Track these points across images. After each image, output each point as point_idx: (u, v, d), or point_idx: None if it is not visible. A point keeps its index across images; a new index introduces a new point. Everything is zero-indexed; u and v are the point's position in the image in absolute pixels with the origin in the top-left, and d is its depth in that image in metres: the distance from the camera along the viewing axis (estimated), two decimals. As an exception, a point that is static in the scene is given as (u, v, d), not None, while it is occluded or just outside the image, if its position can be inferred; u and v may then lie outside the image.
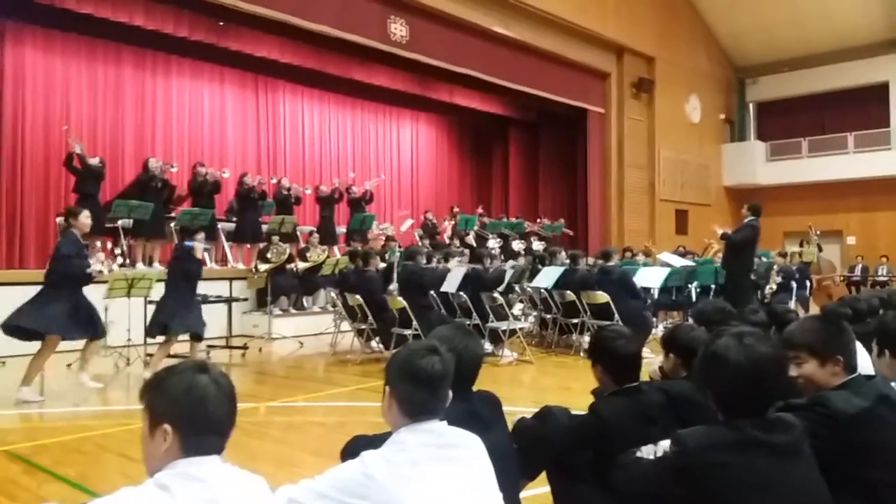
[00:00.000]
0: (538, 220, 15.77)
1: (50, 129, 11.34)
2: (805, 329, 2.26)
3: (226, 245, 11.43)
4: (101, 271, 6.02)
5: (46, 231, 10.87)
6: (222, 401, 1.52)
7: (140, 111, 12.53)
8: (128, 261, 9.79)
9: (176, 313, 6.77)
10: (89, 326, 6.09)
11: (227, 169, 11.80)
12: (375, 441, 2.02)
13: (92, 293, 7.10)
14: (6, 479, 3.85)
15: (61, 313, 5.82)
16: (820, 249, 14.05)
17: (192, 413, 1.49)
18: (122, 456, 4.31)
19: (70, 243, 5.95)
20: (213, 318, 9.18)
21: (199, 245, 6.98)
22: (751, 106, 21.41)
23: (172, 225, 10.30)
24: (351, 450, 2.29)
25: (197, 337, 7.09)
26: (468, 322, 8.10)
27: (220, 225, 11.27)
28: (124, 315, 7.33)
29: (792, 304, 10.94)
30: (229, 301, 9.56)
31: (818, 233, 14.62)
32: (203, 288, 8.90)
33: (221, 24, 11.66)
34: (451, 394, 1.88)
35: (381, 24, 11.93)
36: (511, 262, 11.50)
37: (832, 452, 1.93)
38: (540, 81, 14.93)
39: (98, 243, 9.67)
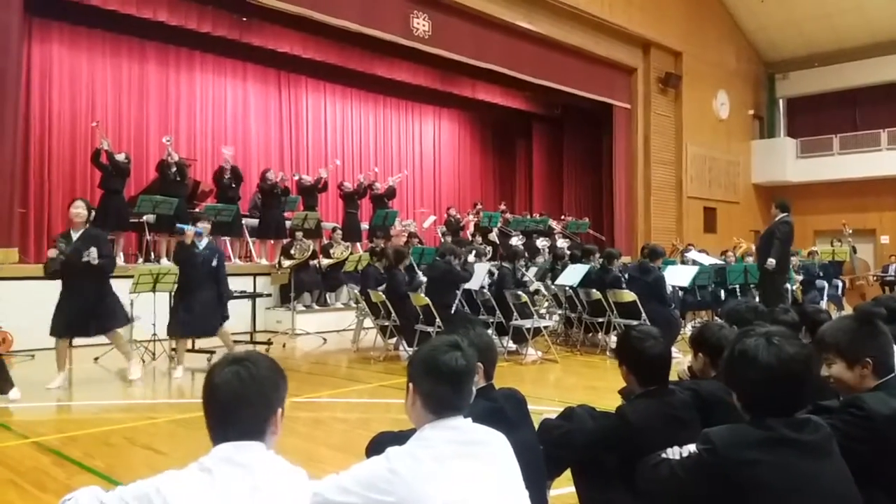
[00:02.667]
0: (562, 218, 15.64)
1: (76, 124, 11.51)
2: (835, 329, 2.23)
3: (249, 241, 11.51)
4: (55, 257, 5.82)
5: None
6: (233, 390, 1.53)
7: (164, 106, 12.67)
8: (152, 255, 9.93)
9: (174, 316, 6.73)
10: (92, 322, 6.04)
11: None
12: (400, 437, 2.00)
13: (118, 288, 7.22)
14: (37, 469, 3.90)
15: (65, 314, 5.89)
16: (854, 251, 13.74)
17: (209, 405, 1.56)
18: (150, 449, 4.34)
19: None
20: (237, 314, 9.26)
21: (189, 229, 6.59)
22: (780, 102, 21.05)
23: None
24: (375, 446, 2.29)
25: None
26: (492, 320, 8.07)
27: (244, 221, 11.37)
28: (149, 310, 7.39)
29: (824, 304, 10.76)
30: (253, 297, 9.62)
31: (850, 231, 14.32)
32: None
33: (245, 19, 11.75)
34: (474, 390, 1.87)
35: (403, 19, 11.91)
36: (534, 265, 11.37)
37: (868, 454, 1.91)
38: (564, 76, 14.80)
39: (122, 239, 9.82)
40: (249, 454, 1.51)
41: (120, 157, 9.53)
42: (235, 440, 1.52)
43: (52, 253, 5.88)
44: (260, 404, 1.55)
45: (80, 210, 5.98)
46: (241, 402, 1.53)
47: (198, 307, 6.70)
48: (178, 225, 6.66)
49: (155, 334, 7.53)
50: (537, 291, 9.17)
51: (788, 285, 10.02)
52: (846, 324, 2.23)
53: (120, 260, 9.39)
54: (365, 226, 12.69)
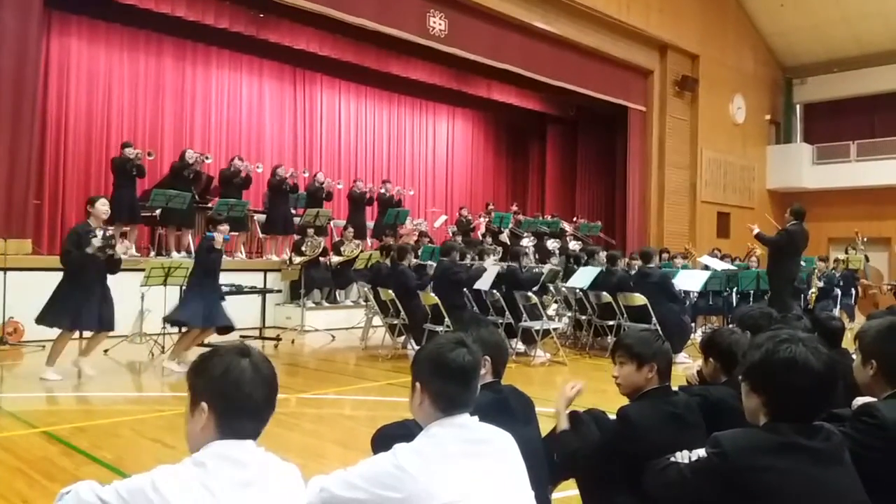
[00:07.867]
0: (574, 220, 15.56)
1: (92, 116, 11.60)
2: (868, 325, 2.28)
3: (261, 237, 11.54)
4: (100, 248, 5.90)
5: (87, 217, 11.10)
6: (259, 386, 1.54)
7: (179, 101, 12.72)
8: (164, 250, 9.99)
9: (189, 307, 6.77)
10: (94, 320, 6.10)
11: (260, 164, 11.90)
12: (404, 427, 2.03)
13: (129, 281, 7.25)
14: (45, 459, 3.92)
15: (73, 306, 5.95)
16: (867, 259, 13.61)
17: (227, 395, 1.52)
18: (157, 442, 4.36)
19: (73, 235, 6.11)
20: (247, 309, 9.28)
21: (219, 236, 6.81)
22: (798, 107, 20.83)
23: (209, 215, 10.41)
24: (382, 440, 2.29)
25: (223, 330, 6.96)
26: (500, 321, 8.05)
27: (255, 217, 11.39)
28: (160, 303, 7.41)
29: (836, 312, 10.65)
30: (263, 292, 9.64)
31: (864, 239, 14.15)
32: (237, 279, 9.02)
33: (261, 15, 11.78)
34: (479, 387, 1.89)
35: (420, 18, 11.91)
36: (545, 265, 11.36)
37: (880, 462, 1.89)
38: (580, 78, 14.73)
39: (135, 232, 9.88)
40: (242, 450, 1.52)
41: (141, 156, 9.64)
42: (238, 438, 1.52)
43: (98, 242, 5.94)
44: (271, 404, 1.59)
45: (107, 208, 6.22)
46: (269, 405, 1.57)
47: (214, 302, 6.85)
48: (209, 234, 6.87)
49: (164, 327, 7.56)
50: (546, 290, 9.11)
51: (810, 293, 9.98)
52: (877, 323, 2.25)
53: (132, 252, 9.45)
54: (369, 224, 12.71)
